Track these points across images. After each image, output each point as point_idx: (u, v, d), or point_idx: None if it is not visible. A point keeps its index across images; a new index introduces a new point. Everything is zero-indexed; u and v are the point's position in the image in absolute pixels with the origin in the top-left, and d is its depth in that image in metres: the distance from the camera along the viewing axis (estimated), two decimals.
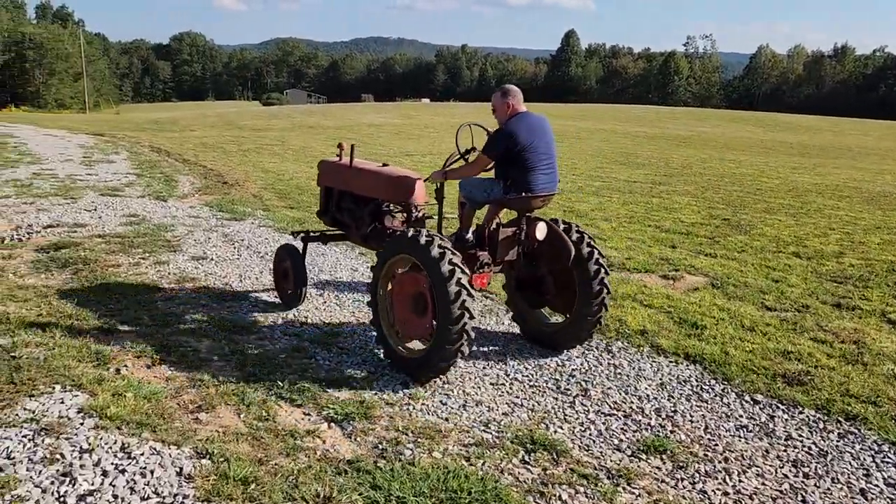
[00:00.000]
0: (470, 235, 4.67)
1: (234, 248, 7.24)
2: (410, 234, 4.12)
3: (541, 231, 4.50)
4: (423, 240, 4.01)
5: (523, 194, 4.43)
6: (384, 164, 5.36)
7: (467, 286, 3.95)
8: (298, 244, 5.58)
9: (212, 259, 6.72)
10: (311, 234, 5.62)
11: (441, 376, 4.18)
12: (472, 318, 3.95)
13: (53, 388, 3.63)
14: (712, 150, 24.30)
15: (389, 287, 4.32)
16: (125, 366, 4.01)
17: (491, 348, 4.80)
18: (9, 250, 6.73)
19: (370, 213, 5.24)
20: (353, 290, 5.92)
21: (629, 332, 5.15)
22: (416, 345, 4.27)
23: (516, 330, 5.12)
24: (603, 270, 4.56)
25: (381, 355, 4.39)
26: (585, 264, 4.52)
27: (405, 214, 5.13)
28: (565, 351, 4.75)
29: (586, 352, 4.78)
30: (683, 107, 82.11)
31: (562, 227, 4.59)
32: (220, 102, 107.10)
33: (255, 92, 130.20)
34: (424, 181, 4.94)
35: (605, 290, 4.57)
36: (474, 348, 4.59)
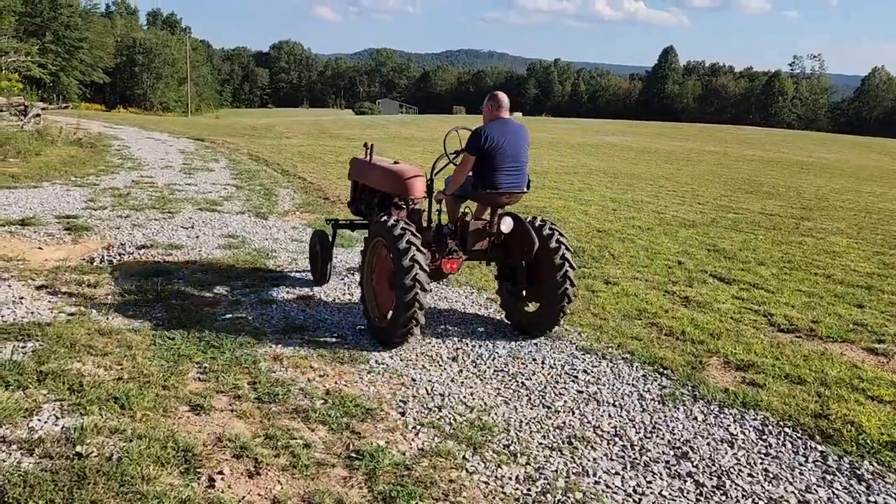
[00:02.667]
0: (451, 226, 5.22)
1: (345, 285, 6.24)
2: (383, 219, 4.79)
3: (505, 224, 5.06)
4: (390, 223, 4.66)
5: (488, 191, 4.99)
6: (395, 162, 5.81)
7: (421, 262, 4.48)
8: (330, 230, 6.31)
9: (321, 301, 5.73)
10: (340, 222, 6.33)
11: (402, 343, 4.69)
12: (423, 290, 4.48)
13: None
14: (843, 180, 22.06)
15: (373, 267, 4.99)
16: (220, 473, 2.98)
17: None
18: (96, 275, 5.95)
19: (378, 204, 5.83)
20: None
21: (873, 442, 3.80)
22: None
23: None
24: (567, 264, 4.98)
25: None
26: (552, 257, 4.96)
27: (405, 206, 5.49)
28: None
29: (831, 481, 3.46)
30: (787, 129, 77.90)
31: (539, 224, 5.10)
32: (314, 110, 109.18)
33: (348, 101, 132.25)
34: (436, 200, 5.41)
35: (569, 282, 4.97)
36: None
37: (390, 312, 4.65)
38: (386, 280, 4.82)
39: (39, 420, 3.25)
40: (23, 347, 4.12)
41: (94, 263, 6.44)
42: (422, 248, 4.55)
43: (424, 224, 5.47)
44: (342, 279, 6.42)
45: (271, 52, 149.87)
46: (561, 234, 5.06)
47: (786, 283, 7.50)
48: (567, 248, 5.02)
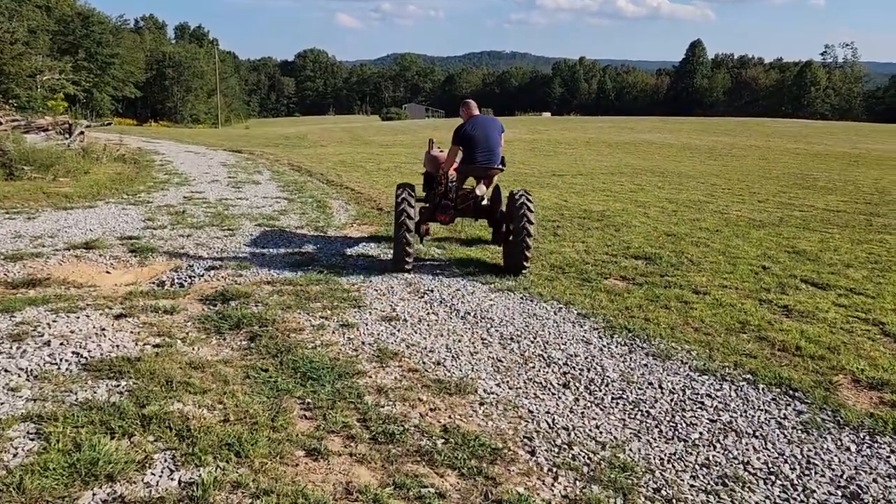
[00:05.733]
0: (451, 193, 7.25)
1: (426, 302, 5.95)
2: (398, 184, 6.94)
3: (480, 189, 7.20)
4: (398, 187, 6.80)
5: (469, 166, 7.10)
6: (441, 151, 7.83)
7: (409, 212, 6.55)
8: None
9: (405, 320, 5.44)
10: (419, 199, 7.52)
11: (401, 269, 6.75)
12: (409, 231, 6.52)
13: None
14: None
15: None
16: None
17: None
18: (171, 300, 5.73)
19: (426, 182, 8.00)
20: None
21: None
22: None
23: None
24: (526, 220, 6.57)
25: None
26: (518, 215, 6.60)
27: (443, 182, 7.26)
28: None
29: None
30: (821, 119, 76.17)
31: (516, 194, 6.78)
32: (341, 117, 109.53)
33: (374, 106, 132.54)
34: (448, 175, 7.24)
35: (526, 234, 6.56)
36: None
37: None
38: None
39: (154, 474, 2.99)
40: (117, 387, 3.88)
41: (165, 287, 6.23)
42: (412, 204, 6.63)
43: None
44: (422, 298, 6.13)
45: (297, 61, 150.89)
46: (527, 200, 6.69)
47: (884, 288, 7.04)
48: (529, 210, 6.61)
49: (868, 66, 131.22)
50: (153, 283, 6.39)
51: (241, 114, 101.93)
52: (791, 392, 4.33)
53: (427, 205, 7.48)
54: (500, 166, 7.17)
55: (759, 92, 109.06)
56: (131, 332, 4.85)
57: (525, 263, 6.69)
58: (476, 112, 7.35)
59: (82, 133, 17.93)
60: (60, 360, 4.27)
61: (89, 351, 4.42)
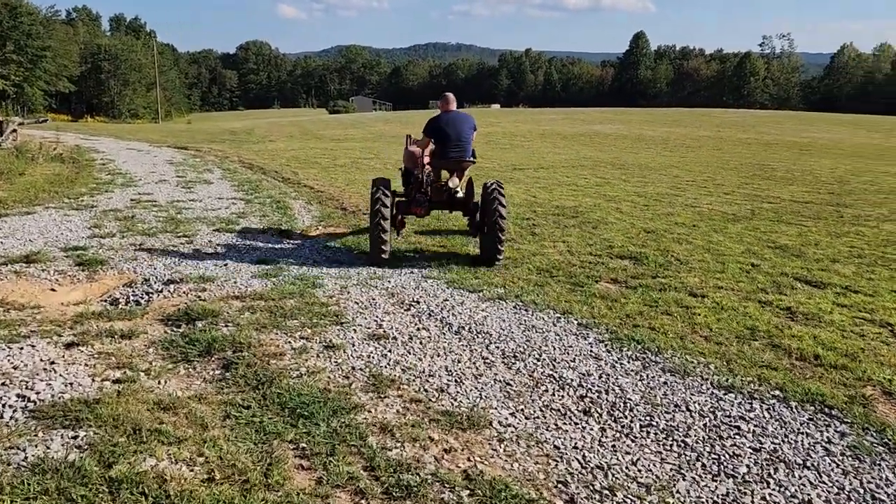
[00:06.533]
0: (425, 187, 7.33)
1: (413, 316, 5.44)
2: (373, 179, 7.17)
3: (453, 182, 7.33)
4: (373, 182, 7.04)
5: (442, 160, 7.31)
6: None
7: (384, 201, 6.77)
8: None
9: (395, 338, 4.93)
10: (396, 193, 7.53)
11: (377, 260, 6.90)
12: (384, 218, 6.75)
13: None
14: (849, 160, 21.63)
15: None
16: None
17: None
18: (127, 321, 5.09)
19: (405, 178, 7.82)
20: None
21: None
22: None
23: None
24: (498, 213, 6.74)
25: None
26: (492, 207, 6.76)
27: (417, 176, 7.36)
28: None
29: None
30: (760, 109, 77.96)
31: (489, 185, 6.99)
32: (287, 110, 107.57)
33: (320, 99, 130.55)
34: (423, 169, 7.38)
35: (499, 227, 6.73)
36: None
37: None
38: None
39: None
40: (76, 439, 3.27)
41: (120, 305, 5.57)
42: (387, 194, 6.85)
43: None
44: (408, 311, 5.63)
45: (239, 54, 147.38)
46: (500, 192, 6.92)
47: (878, 285, 6.85)
48: (501, 203, 6.83)
49: (806, 56, 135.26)
50: (105, 301, 5.72)
51: (182, 108, 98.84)
52: (826, 410, 3.99)
53: (405, 199, 7.56)
54: (472, 159, 7.43)
55: (701, 83, 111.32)
56: (86, 366, 4.21)
57: (499, 255, 6.89)
58: (452, 107, 7.52)
59: (15, 131, 16.76)
60: (3, 405, 3.62)
61: (38, 393, 3.78)
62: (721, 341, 5.08)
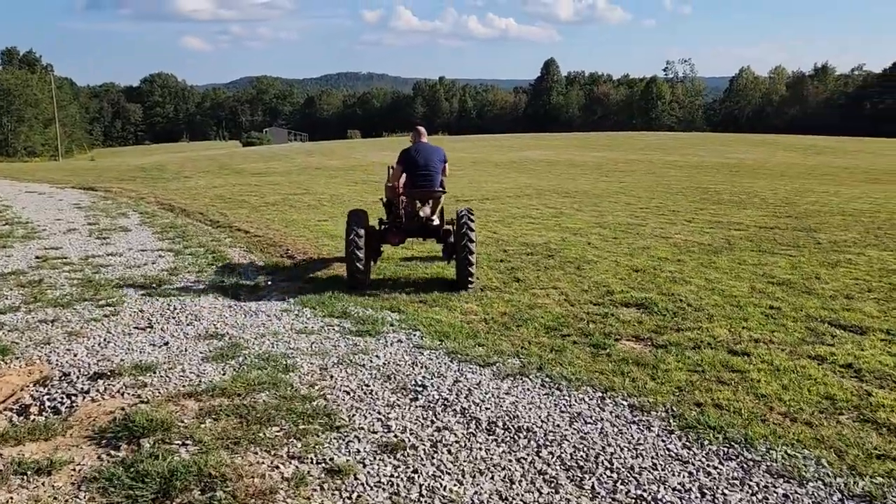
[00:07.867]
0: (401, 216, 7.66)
1: (424, 408, 4.27)
2: (349, 211, 7.56)
3: (423, 211, 7.68)
4: (349, 214, 7.39)
5: (412, 190, 7.64)
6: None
7: (357, 231, 7.08)
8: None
9: (415, 448, 3.74)
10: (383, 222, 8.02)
11: (356, 284, 7.17)
12: (359, 248, 7.05)
13: None
14: (783, 181, 21.81)
15: None
16: None
17: None
18: (44, 443, 3.72)
19: (387, 209, 8.13)
20: None
21: None
22: None
23: None
24: (467, 238, 7.08)
25: None
26: (462, 234, 7.12)
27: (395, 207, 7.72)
28: None
29: None
30: (669, 131, 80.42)
31: (461, 213, 7.32)
32: (197, 143, 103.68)
33: (231, 131, 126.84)
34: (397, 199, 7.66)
35: (468, 252, 7.08)
36: None
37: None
38: None
39: None
40: None
41: (32, 416, 4.17)
42: (360, 233, 7.05)
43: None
44: (416, 400, 4.46)
45: (143, 87, 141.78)
46: (469, 220, 7.17)
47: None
48: (470, 229, 7.10)
49: (707, 80, 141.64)
50: (11, 409, 4.30)
51: (83, 144, 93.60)
52: None
53: (379, 229, 7.91)
54: (440, 189, 7.78)
55: (612, 107, 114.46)
56: None
57: (470, 279, 7.19)
58: (424, 139, 8.00)
59: None
60: None
61: None
62: (808, 420, 4.16)
